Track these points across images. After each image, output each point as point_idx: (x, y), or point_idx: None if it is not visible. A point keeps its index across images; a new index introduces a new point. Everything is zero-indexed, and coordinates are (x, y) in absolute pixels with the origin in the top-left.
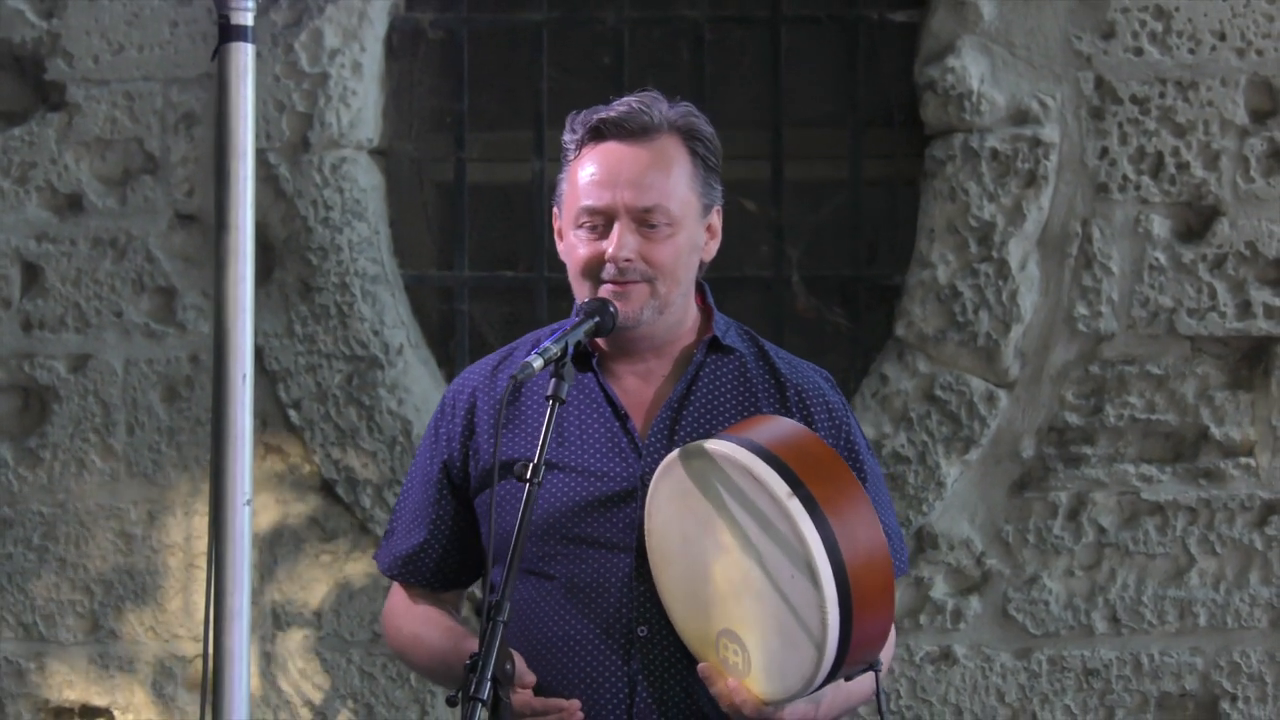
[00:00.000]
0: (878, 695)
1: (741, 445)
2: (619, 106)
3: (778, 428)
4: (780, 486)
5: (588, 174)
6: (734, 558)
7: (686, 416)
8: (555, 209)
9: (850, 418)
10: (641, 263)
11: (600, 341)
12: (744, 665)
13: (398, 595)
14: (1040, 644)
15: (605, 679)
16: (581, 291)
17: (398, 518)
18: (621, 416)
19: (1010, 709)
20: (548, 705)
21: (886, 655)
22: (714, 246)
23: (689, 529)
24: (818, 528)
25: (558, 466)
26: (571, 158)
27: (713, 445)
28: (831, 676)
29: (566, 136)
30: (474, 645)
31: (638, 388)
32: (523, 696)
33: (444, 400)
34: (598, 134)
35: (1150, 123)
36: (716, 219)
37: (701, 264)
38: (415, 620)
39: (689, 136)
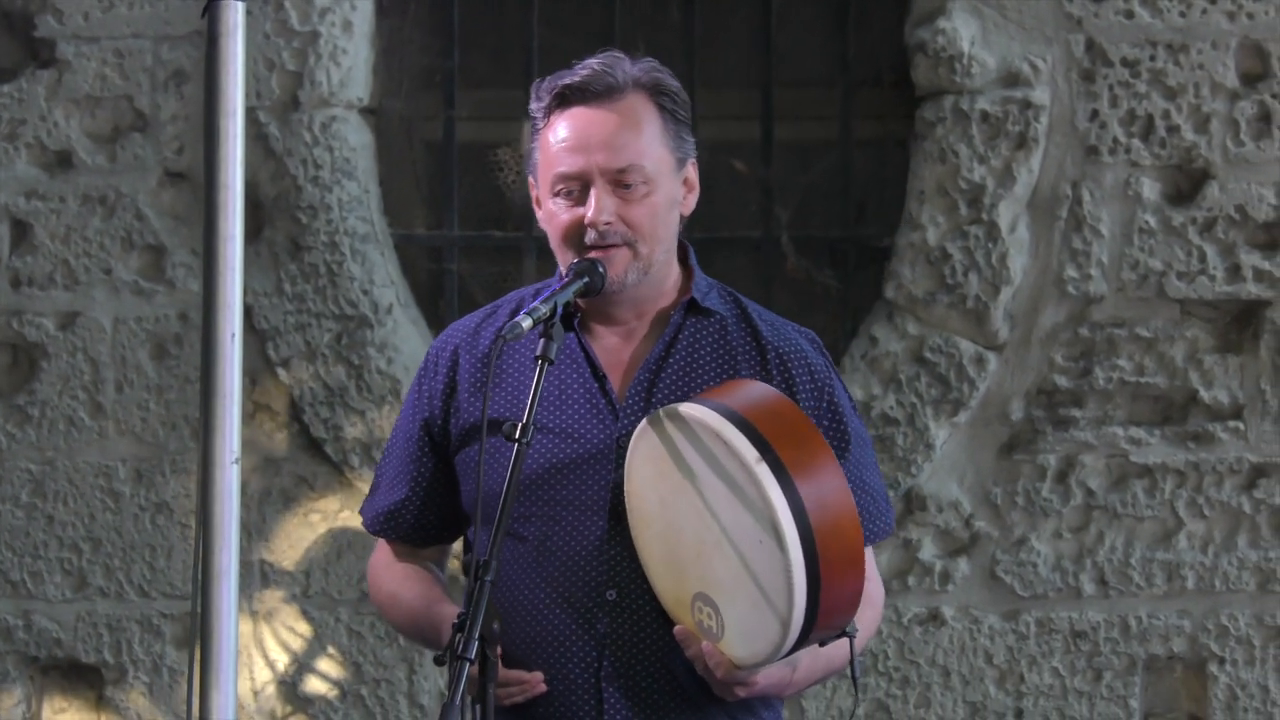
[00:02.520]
0: (851, 662)
1: (714, 409)
2: (581, 70)
3: (752, 392)
4: (749, 451)
5: (559, 140)
6: (706, 521)
7: (664, 378)
8: (531, 178)
9: (834, 379)
10: (621, 224)
11: (581, 301)
12: (718, 629)
13: (381, 551)
14: (1028, 606)
15: (572, 643)
16: (564, 258)
17: (381, 474)
18: (600, 377)
19: (998, 670)
20: (509, 676)
21: (874, 618)
22: (693, 200)
23: (665, 492)
24: (785, 493)
25: (535, 427)
26: (540, 125)
27: (686, 409)
28: (801, 641)
29: (533, 105)
30: (446, 609)
31: (617, 348)
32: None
33: (427, 357)
34: (564, 100)
35: (1141, 85)
36: (693, 172)
37: (682, 219)
38: (394, 578)
39: (655, 92)
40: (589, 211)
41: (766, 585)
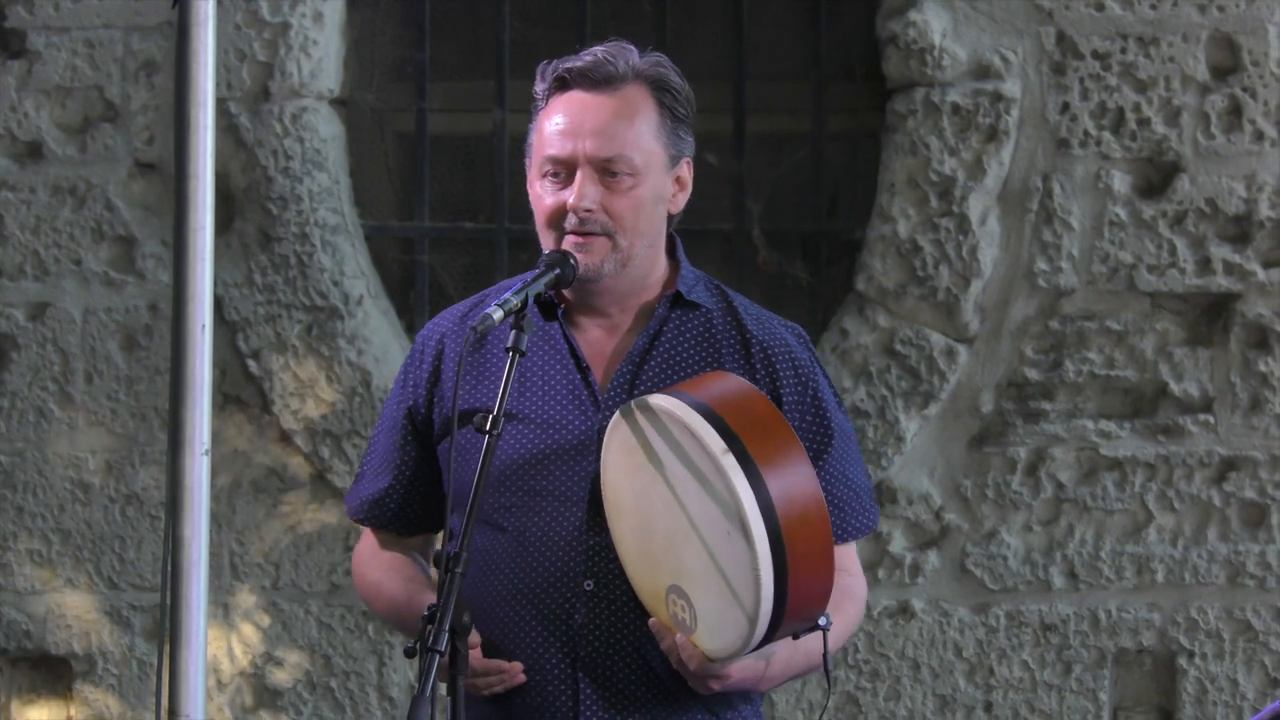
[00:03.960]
0: (825, 656)
1: (683, 400)
2: (586, 56)
3: (724, 385)
4: (716, 442)
5: (553, 124)
6: (676, 513)
7: (648, 371)
8: (526, 160)
9: (819, 374)
10: (602, 214)
11: (566, 292)
12: (690, 621)
13: (366, 539)
14: (998, 599)
15: (549, 633)
16: (547, 241)
17: (367, 461)
18: (583, 368)
19: (968, 663)
20: (489, 666)
21: (856, 613)
22: (683, 199)
23: (638, 483)
24: (751, 484)
25: (517, 417)
26: (541, 108)
27: (656, 399)
28: (772, 633)
29: (537, 86)
30: (431, 598)
31: (601, 340)
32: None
33: (414, 345)
34: (563, 83)
35: (1111, 78)
36: (686, 171)
37: (671, 216)
38: (379, 567)
39: (657, 87)
40: (570, 196)
41: (733, 577)
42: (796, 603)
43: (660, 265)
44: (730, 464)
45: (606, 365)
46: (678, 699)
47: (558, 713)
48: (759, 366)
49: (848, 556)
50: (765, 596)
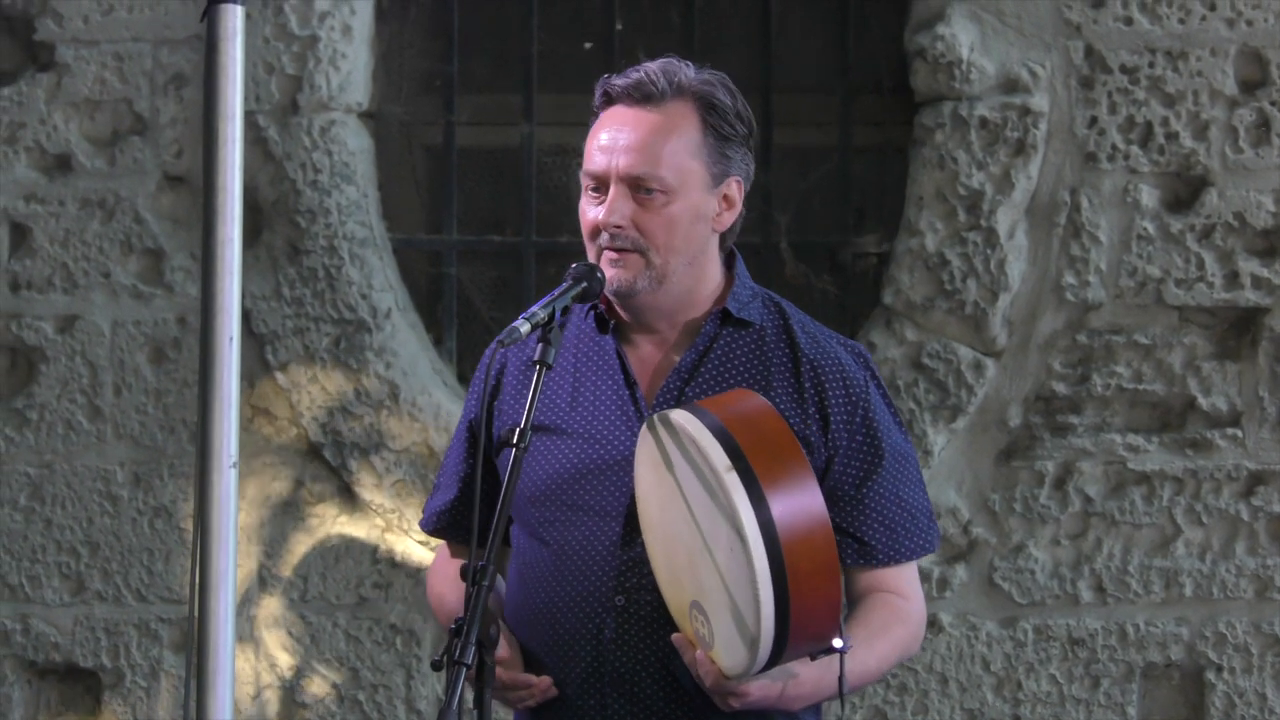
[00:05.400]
0: (840, 679)
1: (698, 416)
2: (633, 72)
3: (742, 403)
4: (720, 459)
5: (596, 139)
6: (691, 529)
7: (694, 387)
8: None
9: (872, 393)
10: (633, 230)
11: (620, 309)
12: (709, 637)
13: (440, 553)
14: (1026, 613)
15: (579, 647)
16: (591, 255)
17: (439, 476)
18: (631, 383)
19: (995, 677)
20: (517, 680)
21: (905, 635)
22: (728, 217)
23: (662, 496)
24: (752, 502)
25: (565, 432)
26: (594, 121)
27: (675, 415)
28: (779, 652)
29: (595, 99)
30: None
31: (651, 355)
32: (500, 673)
33: (482, 360)
34: (608, 98)
35: (1139, 92)
36: (736, 189)
37: (723, 237)
38: (444, 580)
39: (704, 104)
40: (601, 212)
41: (737, 595)
42: (801, 622)
43: (710, 282)
44: (733, 481)
45: (652, 380)
46: (704, 715)
47: None
48: (808, 385)
49: (901, 578)
50: (765, 614)
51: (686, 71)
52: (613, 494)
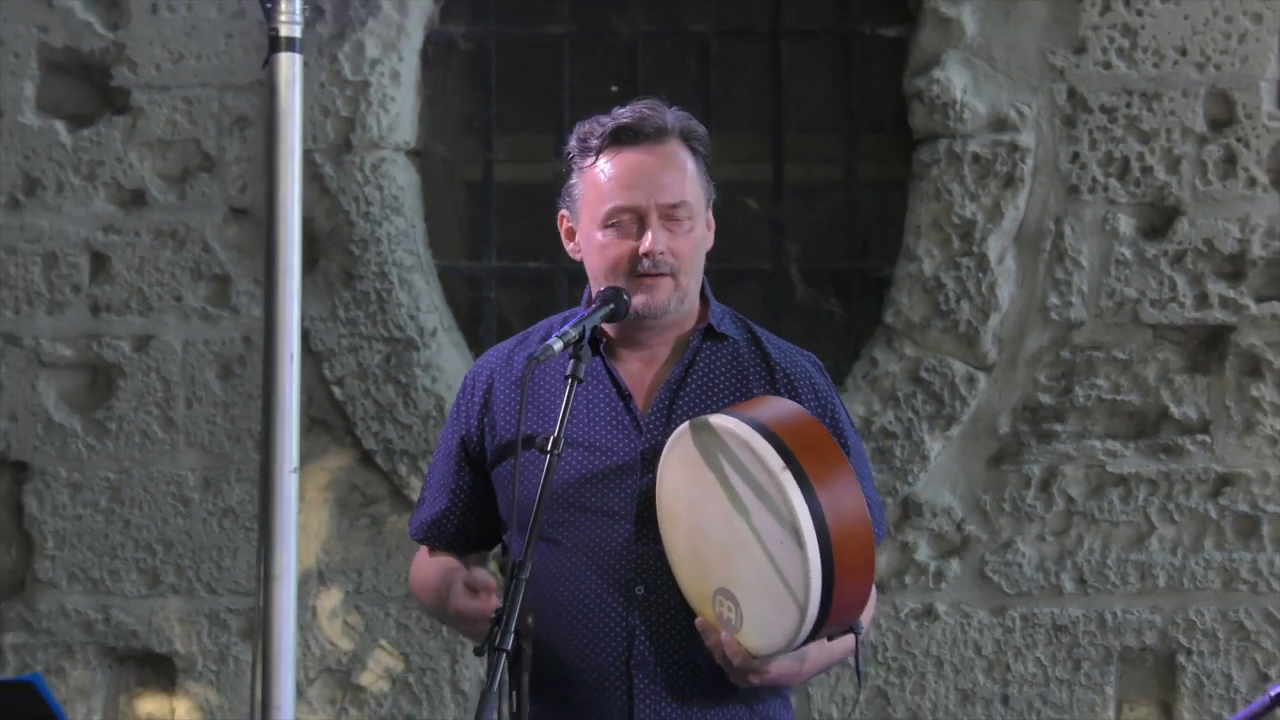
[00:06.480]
0: (856, 656)
1: (744, 421)
2: (632, 114)
3: (778, 408)
4: (775, 460)
5: (611, 177)
6: (732, 523)
7: (683, 397)
8: (564, 211)
9: (835, 398)
10: (670, 255)
11: (608, 329)
12: (736, 621)
13: (420, 554)
14: (1014, 602)
15: (607, 633)
16: (613, 285)
17: (426, 488)
18: (625, 396)
19: (986, 661)
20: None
21: (868, 615)
22: (711, 238)
23: (695, 495)
24: (806, 499)
25: (568, 442)
26: (586, 164)
27: (717, 420)
28: (814, 635)
29: (574, 145)
30: (460, 573)
31: (640, 371)
32: (481, 600)
33: (465, 381)
34: (616, 139)
35: (1118, 130)
36: (710, 214)
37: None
38: (427, 566)
39: (689, 138)
40: (645, 243)
41: (785, 582)
42: (839, 607)
43: (697, 300)
44: (788, 480)
45: (646, 393)
46: (719, 692)
47: (614, 706)
48: (783, 391)
49: None
50: (813, 600)
51: (666, 110)
52: (619, 496)
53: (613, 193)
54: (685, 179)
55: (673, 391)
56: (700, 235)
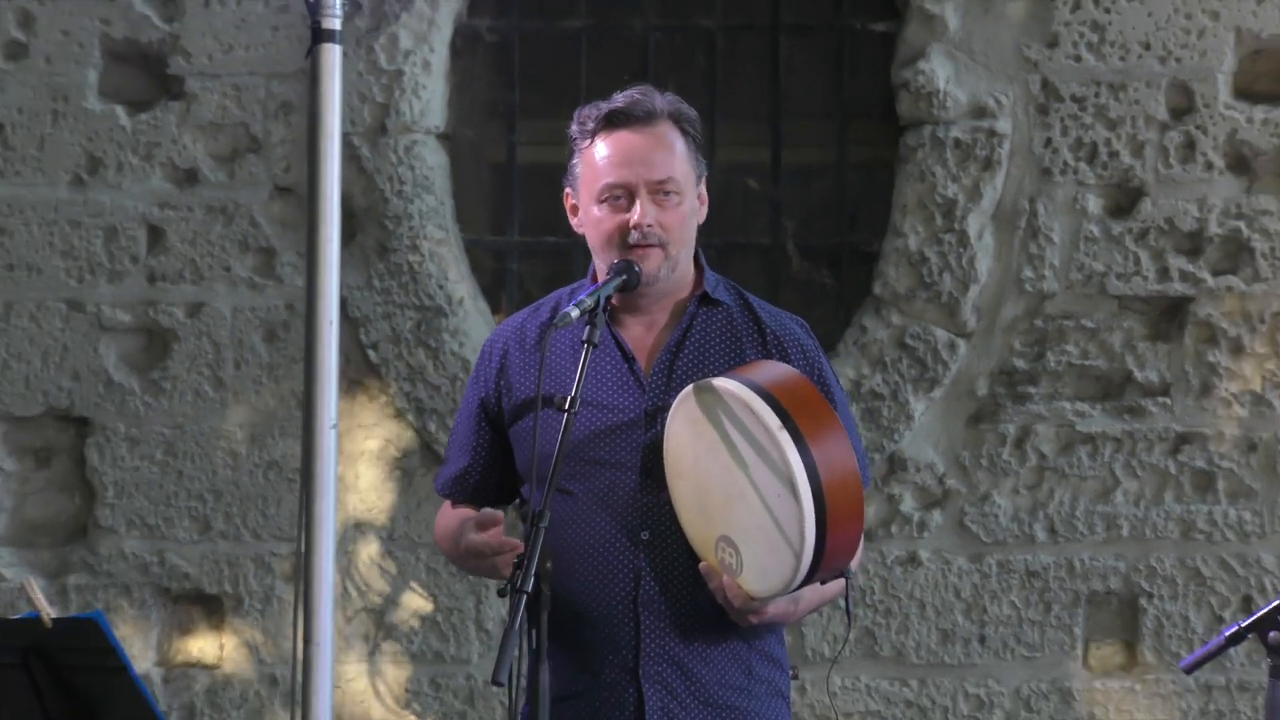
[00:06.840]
0: (846, 598)
1: (744, 384)
2: (624, 99)
3: (775, 370)
4: (772, 419)
5: (606, 156)
6: (733, 476)
7: (682, 359)
8: (568, 189)
9: (821, 358)
10: (659, 228)
11: (613, 298)
12: (737, 566)
13: (444, 507)
14: (991, 550)
15: (614, 576)
16: (606, 257)
17: (449, 449)
18: (629, 358)
19: (965, 603)
20: (503, 544)
21: (856, 560)
22: (704, 211)
23: (699, 450)
24: (801, 455)
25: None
26: (584, 145)
27: (720, 382)
28: (808, 579)
29: (575, 129)
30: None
31: (642, 335)
32: (490, 534)
33: (483, 349)
34: (610, 122)
35: (1087, 118)
36: (703, 188)
37: (697, 227)
38: (448, 516)
39: (679, 120)
40: (634, 216)
41: (782, 531)
42: (832, 553)
43: (691, 269)
44: (785, 438)
45: (648, 355)
46: (719, 629)
47: (623, 641)
48: (774, 352)
49: None
50: (808, 547)
51: (657, 95)
52: (626, 450)
53: (606, 171)
54: (674, 157)
55: (672, 354)
56: (689, 209)
